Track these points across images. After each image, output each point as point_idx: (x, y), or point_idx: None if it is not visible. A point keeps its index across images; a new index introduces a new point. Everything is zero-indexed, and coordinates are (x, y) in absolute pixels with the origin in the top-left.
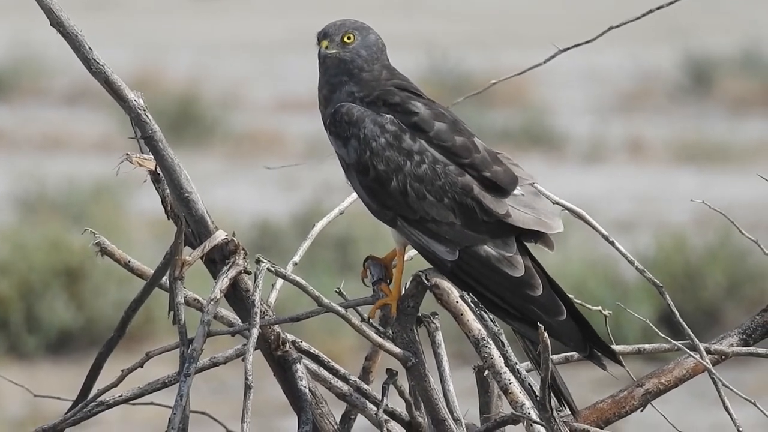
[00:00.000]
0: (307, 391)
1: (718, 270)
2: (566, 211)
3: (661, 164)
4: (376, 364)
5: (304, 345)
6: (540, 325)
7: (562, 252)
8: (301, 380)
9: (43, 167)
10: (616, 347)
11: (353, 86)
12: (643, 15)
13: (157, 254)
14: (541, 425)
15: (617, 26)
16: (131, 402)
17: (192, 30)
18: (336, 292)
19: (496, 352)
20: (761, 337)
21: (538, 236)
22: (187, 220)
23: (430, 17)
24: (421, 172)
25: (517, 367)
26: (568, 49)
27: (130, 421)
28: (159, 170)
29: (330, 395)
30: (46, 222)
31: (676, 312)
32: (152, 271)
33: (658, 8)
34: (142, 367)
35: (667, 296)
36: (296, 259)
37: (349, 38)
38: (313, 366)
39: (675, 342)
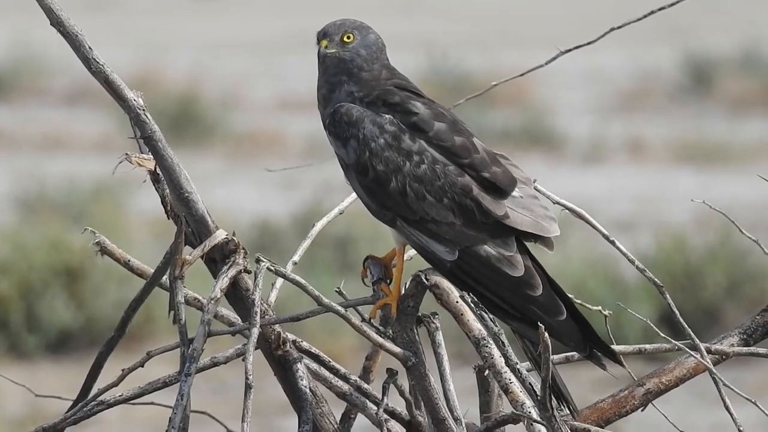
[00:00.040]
0: (307, 390)
1: (719, 270)
2: (566, 210)
3: (661, 164)
4: (377, 363)
5: (305, 344)
6: (540, 325)
7: (562, 252)
8: (301, 380)
9: (43, 167)
10: (616, 347)
11: (353, 86)
12: (645, 16)
13: (157, 254)
14: (542, 424)
15: (618, 27)
16: (131, 401)
17: (192, 30)
18: (336, 291)
19: (496, 352)
20: (762, 337)
21: (538, 236)
22: (187, 220)
23: (430, 17)
24: (421, 173)
25: (518, 366)
26: (569, 50)
27: (130, 421)
28: (159, 170)
29: (330, 395)
30: (46, 222)
31: (677, 312)
32: (152, 271)
33: (660, 9)
34: (142, 366)
35: (668, 296)
36: (296, 258)
37: (348, 38)
38: (314, 365)
39: (676, 342)
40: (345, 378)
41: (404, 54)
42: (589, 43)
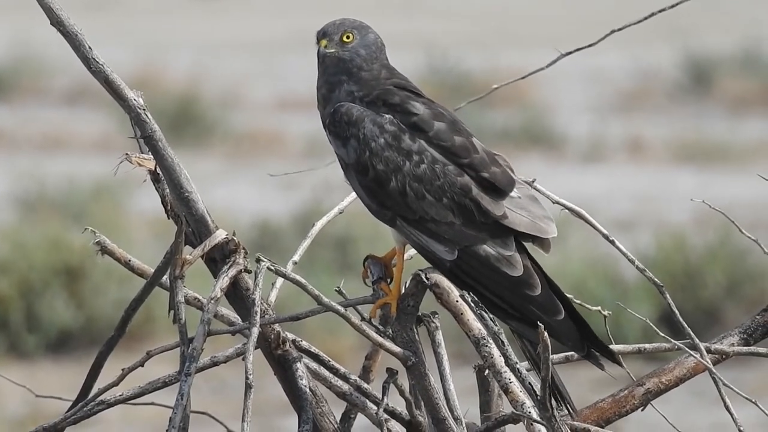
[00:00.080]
0: (307, 390)
1: (718, 269)
2: (566, 210)
3: (660, 164)
4: (377, 363)
5: (305, 344)
6: (540, 324)
7: (562, 252)
8: (301, 379)
9: (43, 167)
10: (616, 347)
11: (352, 85)
12: (645, 18)
13: (158, 253)
14: (542, 424)
15: (619, 30)
16: (131, 401)
17: (192, 30)
18: (336, 291)
19: (496, 351)
20: (762, 336)
21: (535, 237)
22: (188, 220)
23: (429, 17)
24: (421, 172)
25: (518, 366)
26: (570, 53)
27: (130, 421)
28: (159, 170)
29: (330, 394)
30: (46, 221)
31: (677, 311)
32: (152, 270)
33: (661, 11)
34: (142, 366)
35: (668, 296)
36: (296, 258)
37: (348, 37)
38: (314, 365)
39: (675, 341)
40: (345, 377)
41: (404, 54)
42: (589, 46)
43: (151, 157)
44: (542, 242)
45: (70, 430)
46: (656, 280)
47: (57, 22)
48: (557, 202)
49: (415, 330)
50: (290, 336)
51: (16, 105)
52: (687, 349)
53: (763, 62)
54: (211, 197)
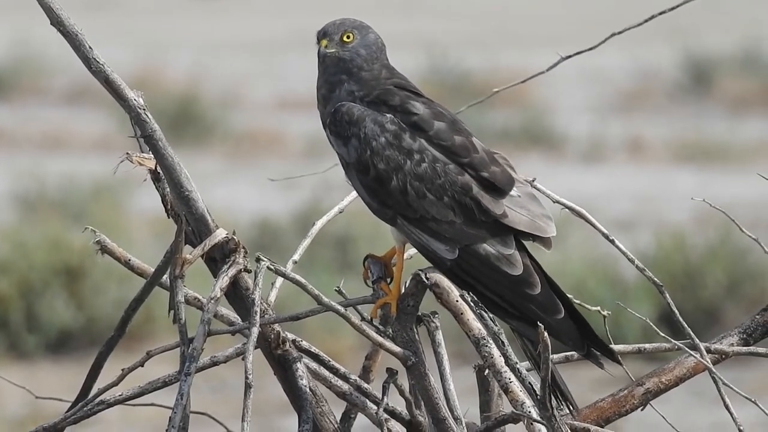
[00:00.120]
0: (307, 390)
1: (718, 269)
2: (566, 210)
3: (660, 163)
4: (377, 363)
5: (305, 344)
6: (540, 324)
7: (562, 251)
8: (301, 379)
9: (43, 166)
10: (616, 347)
11: (353, 85)
12: (645, 21)
13: (158, 253)
14: (542, 424)
15: (619, 33)
16: (131, 401)
17: (192, 29)
18: (336, 290)
19: (496, 351)
20: (761, 336)
21: (536, 235)
22: (188, 219)
23: (429, 17)
24: (421, 171)
25: (518, 366)
26: (569, 56)
27: (130, 420)
28: (159, 169)
29: (330, 394)
30: (46, 221)
31: (677, 311)
32: (152, 270)
33: (661, 13)
34: (142, 366)
35: (667, 295)
36: (296, 257)
37: (348, 37)
38: (314, 365)
39: (675, 341)
40: (345, 377)
41: (404, 53)
42: (588, 50)
43: (152, 156)
44: (543, 239)
45: (70, 430)
46: (656, 279)
47: (57, 22)
48: (557, 202)
49: (415, 330)
50: (290, 336)
51: (16, 104)
52: (687, 349)
53: (763, 62)
54: (211, 197)
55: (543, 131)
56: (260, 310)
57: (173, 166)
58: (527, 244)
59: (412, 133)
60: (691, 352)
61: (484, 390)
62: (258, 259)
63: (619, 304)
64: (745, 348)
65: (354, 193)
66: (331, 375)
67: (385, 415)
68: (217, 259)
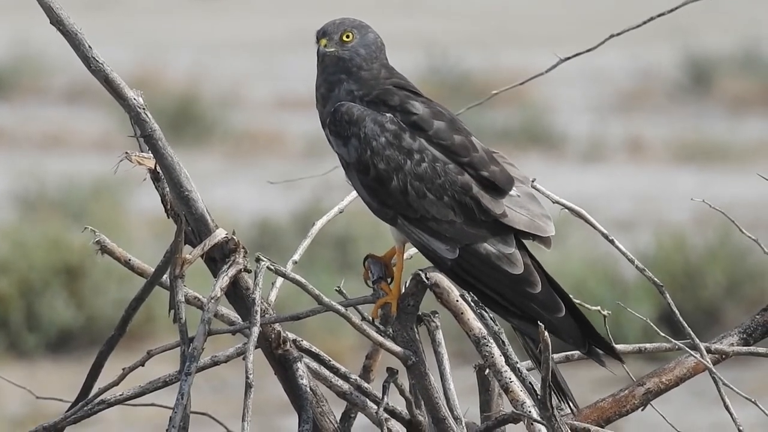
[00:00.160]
0: (307, 389)
1: (718, 269)
2: (566, 210)
3: (660, 163)
4: (377, 362)
5: (305, 344)
6: (540, 324)
7: (562, 251)
8: (301, 379)
9: (43, 165)
10: (616, 347)
11: (352, 85)
12: (644, 23)
13: (158, 252)
14: (542, 424)
15: (618, 34)
16: (132, 401)
17: (192, 29)
18: (336, 290)
19: (496, 351)
20: (761, 336)
21: (536, 234)
22: (187, 219)
23: (429, 16)
24: (421, 171)
25: (518, 365)
26: (569, 58)
27: (130, 420)
28: (159, 169)
29: (330, 394)
30: (46, 220)
31: (677, 311)
32: (152, 270)
33: (660, 15)
34: (143, 365)
35: (668, 295)
36: (296, 257)
37: (347, 37)
38: (314, 365)
39: (675, 341)
40: (345, 377)
41: (404, 53)
42: (588, 51)
43: (151, 156)
44: (543, 239)
45: (70, 429)
46: (656, 279)
47: (57, 22)
48: (557, 202)
49: (415, 329)
50: (291, 335)
51: (16, 104)
52: (687, 348)
53: (763, 62)
54: (211, 196)
55: (543, 131)
56: (260, 310)
57: (173, 166)
58: (527, 243)
59: (412, 132)
60: (691, 352)
61: (484, 390)
62: (258, 259)
63: (619, 304)
64: (745, 348)
65: (354, 193)
66: (331, 375)
67: (385, 415)
68: (217, 258)
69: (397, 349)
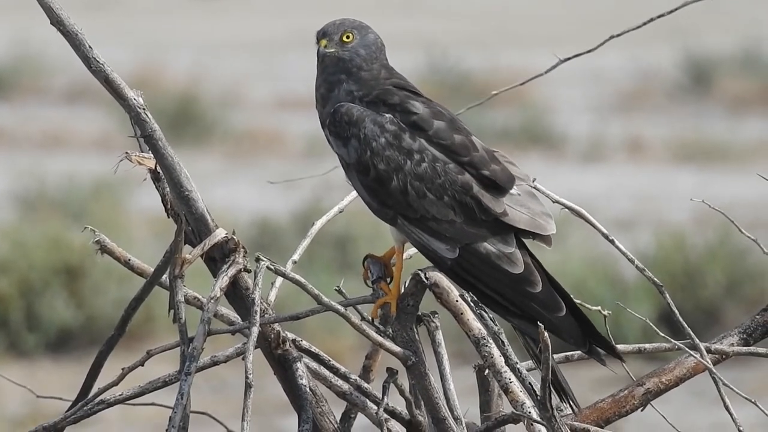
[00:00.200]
0: (307, 389)
1: (718, 269)
2: (566, 209)
3: (660, 163)
4: (377, 362)
5: (305, 343)
6: (540, 324)
7: (562, 251)
8: (301, 379)
9: (43, 165)
10: (616, 346)
11: (352, 85)
12: (645, 23)
13: (157, 252)
14: (542, 424)
15: (618, 35)
16: (132, 401)
17: (192, 29)
18: (336, 290)
19: (496, 351)
20: (761, 336)
21: (536, 233)
22: (187, 219)
23: (429, 16)
24: (421, 171)
25: (518, 366)
26: (569, 58)
27: (130, 420)
28: (159, 169)
29: (330, 394)
30: (46, 220)
31: (676, 311)
32: (152, 270)
33: (660, 16)
34: (142, 365)
35: (667, 295)
36: (296, 257)
37: (348, 37)
38: (314, 365)
39: (675, 341)
40: (345, 377)
41: (404, 53)
42: (587, 52)
43: (151, 156)
44: (543, 237)
45: (70, 429)
46: (656, 279)
47: (57, 22)
48: (557, 202)
49: (415, 329)
50: (290, 335)
51: (16, 104)
52: (687, 349)
53: (763, 62)
54: (211, 196)
55: (543, 131)
56: (260, 310)
57: (173, 166)
58: (527, 242)
59: (412, 132)
60: (691, 352)
61: (484, 390)
62: (258, 259)
63: (619, 304)
64: (745, 348)
65: (354, 193)
66: (331, 375)
67: (385, 415)
68: (216, 258)
69: (397, 349)
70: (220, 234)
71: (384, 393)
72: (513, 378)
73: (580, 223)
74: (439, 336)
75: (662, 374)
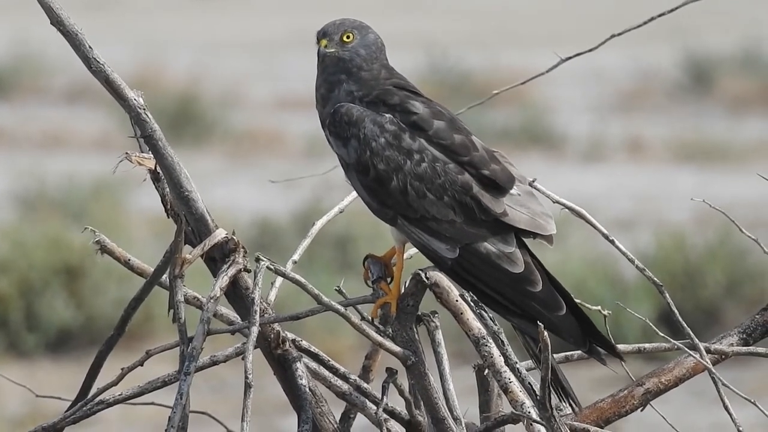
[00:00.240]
0: (307, 389)
1: (718, 269)
2: (566, 209)
3: (660, 163)
4: (376, 362)
5: (304, 343)
6: (540, 324)
7: (562, 251)
8: (300, 379)
9: (43, 165)
10: (616, 346)
11: (352, 85)
12: (645, 23)
13: (157, 252)
14: (542, 424)
15: (619, 34)
16: (131, 401)
17: (192, 29)
18: (336, 290)
19: (496, 351)
20: (761, 336)
21: (537, 233)
22: (187, 219)
23: (429, 16)
24: (421, 171)
25: (517, 366)
26: (570, 58)
27: (130, 420)
28: (159, 169)
29: (330, 394)
30: (46, 220)
31: (676, 311)
32: (152, 270)
33: (661, 15)
34: (142, 365)
35: (667, 295)
36: (296, 257)
37: (348, 37)
38: (313, 365)
39: (675, 341)
40: (344, 377)
41: (404, 53)
42: (588, 51)
43: (151, 156)
44: (545, 236)
45: (70, 429)
46: (656, 279)
47: (57, 22)
48: (557, 202)
49: (414, 329)
50: (290, 335)
51: (16, 103)
52: (686, 349)
53: (763, 62)
54: (211, 196)
55: (543, 131)
56: (260, 310)
57: (173, 166)
58: (528, 242)
59: (412, 132)
60: (691, 353)
61: (483, 390)
62: (258, 259)
63: (619, 304)
64: (744, 348)
65: (354, 193)
66: (330, 375)
67: (385, 415)
68: (216, 258)
69: (397, 349)
70: (220, 234)
71: (383, 393)
72: (512, 378)
73: (580, 223)
74: (439, 336)
75: (662, 374)
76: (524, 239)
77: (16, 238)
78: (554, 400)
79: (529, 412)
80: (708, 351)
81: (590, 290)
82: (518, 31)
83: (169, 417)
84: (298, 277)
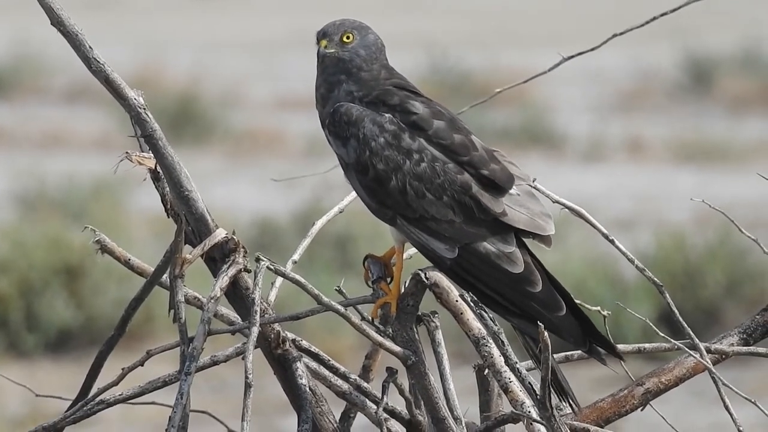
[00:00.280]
0: (307, 389)
1: (718, 269)
2: (566, 209)
3: (660, 163)
4: (376, 362)
5: (304, 343)
6: (540, 324)
7: (562, 251)
8: (301, 379)
9: (43, 165)
10: (616, 346)
11: (352, 85)
12: (647, 22)
13: (157, 252)
14: (542, 424)
15: (620, 33)
16: (131, 401)
17: (192, 29)
18: (336, 290)
19: (496, 351)
20: (761, 336)
21: (536, 233)
22: (187, 219)
23: (429, 16)
24: (421, 171)
25: (518, 365)
26: (571, 57)
27: (130, 420)
28: (159, 168)
29: (330, 394)
30: (46, 220)
31: (676, 311)
32: (152, 269)
33: (662, 15)
34: (142, 365)
35: (667, 295)
36: (296, 257)
37: (348, 38)
38: (313, 364)
39: (675, 341)
40: (345, 377)
41: (404, 53)
42: (590, 50)
43: (151, 155)
44: (543, 237)
45: (70, 429)
46: (656, 279)
47: (57, 22)
48: (557, 202)
49: (415, 329)
50: (290, 335)
51: (16, 103)
52: (687, 349)
53: (763, 62)
54: (211, 196)
55: (543, 131)
56: (260, 310)
57: (173, 166)
58: (527, 242)
59: (411, 132)
60: (691, 352)
61: (483, 390)
62: (258, 259)
63: (619, 304)
64: (745, 348)
65: (354, 193)
66: (330, 374)
67: (385, 415)
68: (216, 258)
69: (397, 349)
70: (220, 234)
71: (383, 392)
72: (513, 378)
73: (580, 223)
74: (439, 336)
75: (662, 374)
76: (524, 239)
77: (16, 238)
78: (554, 399)
79: (530, 412)
80: (708, 351)
81: (590, 290)
82: (518, 31)
83: (170, 417)
84: (298, 277)
